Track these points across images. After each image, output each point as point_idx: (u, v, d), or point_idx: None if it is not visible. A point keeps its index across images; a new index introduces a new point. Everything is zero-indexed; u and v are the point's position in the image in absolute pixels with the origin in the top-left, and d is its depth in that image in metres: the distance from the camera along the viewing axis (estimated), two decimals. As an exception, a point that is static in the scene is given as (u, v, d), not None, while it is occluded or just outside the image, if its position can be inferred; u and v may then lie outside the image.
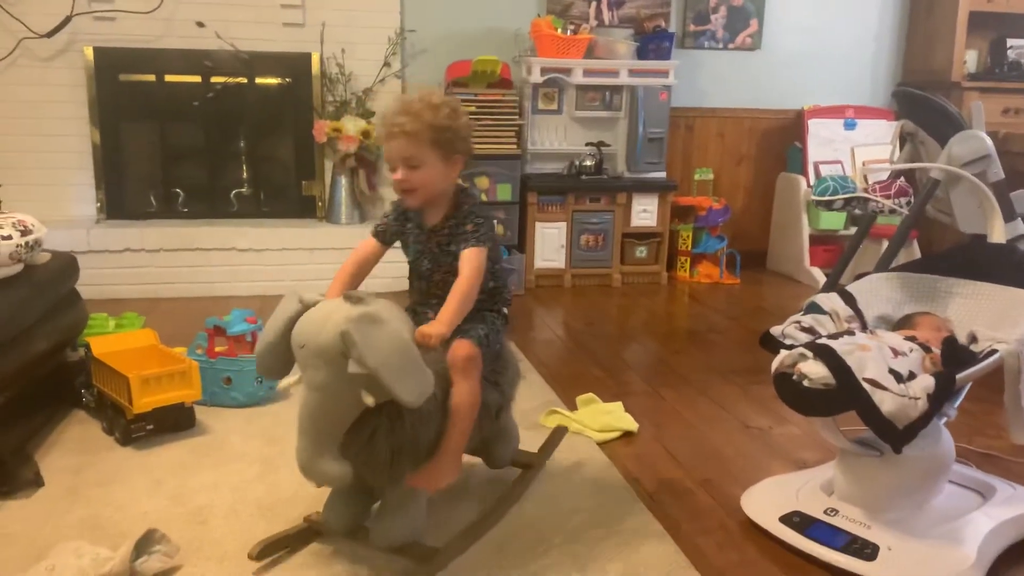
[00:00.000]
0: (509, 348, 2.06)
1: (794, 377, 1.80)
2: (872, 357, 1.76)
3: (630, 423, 2.60)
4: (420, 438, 1.71)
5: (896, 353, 1.81)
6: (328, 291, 1.85)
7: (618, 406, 2.71)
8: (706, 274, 4.74)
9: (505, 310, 2.00)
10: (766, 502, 2.06)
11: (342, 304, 1.63)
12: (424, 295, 1.97)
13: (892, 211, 2.20)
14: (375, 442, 1.67)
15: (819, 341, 1.85)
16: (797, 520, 1.95)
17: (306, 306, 1.67)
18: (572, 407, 2.73)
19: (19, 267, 2.35)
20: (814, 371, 1.76)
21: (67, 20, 4.01)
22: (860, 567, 1.79)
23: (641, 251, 4.62)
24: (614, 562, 1.86)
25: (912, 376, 1.77)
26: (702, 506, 2.15)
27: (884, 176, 2.40)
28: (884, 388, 1.71)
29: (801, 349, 1.82)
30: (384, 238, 1.97)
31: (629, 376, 3.16)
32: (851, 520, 1.90)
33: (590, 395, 2.77)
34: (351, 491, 1.82)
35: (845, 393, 1.73)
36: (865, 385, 1.72)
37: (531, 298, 4.28)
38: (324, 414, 1.62)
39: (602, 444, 2.49)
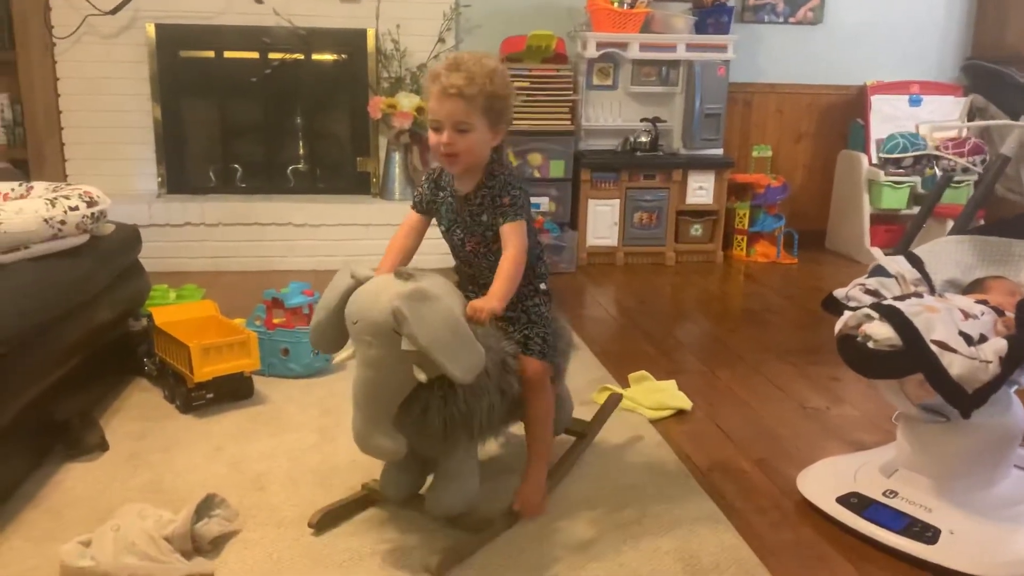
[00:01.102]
0: (560, 318, 2.03)
1: (858, 339, 1.75)
2: (941, 319, 1.69)
3: (684, 401, 2.58)
4: (473, 410, 1.71)
5: (966, 315, 1.74)
6: (379, 266, 1.85)
7: (671, 384, 2.69)
8: (763, 253, 4.66)
9: (543, 286, 1.95)
10: (823, 483, 2.03)
11: (393, 281, 1.65)
12: (461, 273, 1.95)
13: (966, 169, 2.12)
14: (428, 415, 1.69)
15: (885, 302, 1.79)
16: (855, 501, 1.91)
17: (358, 281, 1.69)
18: (624, 384, 2.71)
19: (85, 237, 2.41)
20: (879, 332, 1.70)
21: (130, -3, 4.08)
22: (921, 550, 1.76)
23: (696, 229, 4.56)
24: (667, 540, 1.85)
25: (983, 339, 1.70)
26: (757, 486, 2.13)
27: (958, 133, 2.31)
28: (953, 350, 1.65)
29: (866, 310, 1.76)
30: (422, 208, 1.94)
31: (682, 354, 3.13)
32: (911, 503, 1.85)
33: (643, 372, 2.75)
34: (407, 460, 1.84)
35: (912, 355, 1.67)
36: (933, 347, 1.65)
37: (583, 275, 4.25)
38: (377, 389, 1.64)
39: (655, 422, 2.47)
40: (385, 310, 1.57)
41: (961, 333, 1.69)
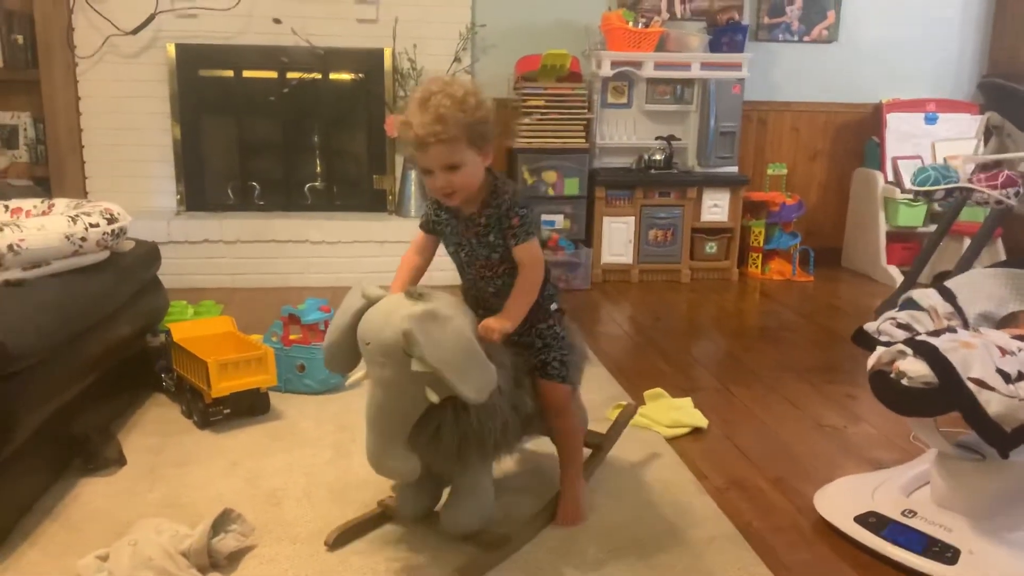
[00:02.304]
0: (574, 330, 2.00)
1: (892, 375, 1.72)
2: (978, 355, 1.66)
3: (700, 419, 2.57)
4: (486, 428, 1.71)
5: (1004, 352, 1.71)
6: (392, 285, 1.84)
7: (687, 402, 2.68)
8: (778, 271, 4.65)
9: (554, 306, 1.91)
10: (840, 501, 2.01)
11: (403, 301, 1.62)
12: (468, 295, 1.91)
13: (999, 203, 2.10)
14: (442, 434, 1.69)
15: (919, 338, 1.76)
16: (873, 521, 1.89)
17: (370, 301, 1.67)
18: (640, 402, 2.70)
19: (105, 254, 2.44)
20: (914, 369, 1.67)
21: (151, 18, 4.14)
22: (939, 571, 1.73)
23: (711, 247, 4.56)
24: (682, 558, 1.84)
25: (1021, 376, 1.67)
26: (773, 504, 2.11)
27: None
28: (991, 388, 1.62)
29: (900, 346, 1.74)
30: (428, 228, 1.90)
31: (698, 372, 3.12)
32: (930, 522, 1.83)
33: (658, 390, 2.74)
34: (422, 478, 1.83)
35: (948, 393, 1.64)
36: (970, 385, 1.63)
37: (598, 293, 4.26)
38: (390, 410, 1.63)
39: (671, 440, 2.46)
40: (396, 331, 1.56)
41: (999, 370, 1.66)
